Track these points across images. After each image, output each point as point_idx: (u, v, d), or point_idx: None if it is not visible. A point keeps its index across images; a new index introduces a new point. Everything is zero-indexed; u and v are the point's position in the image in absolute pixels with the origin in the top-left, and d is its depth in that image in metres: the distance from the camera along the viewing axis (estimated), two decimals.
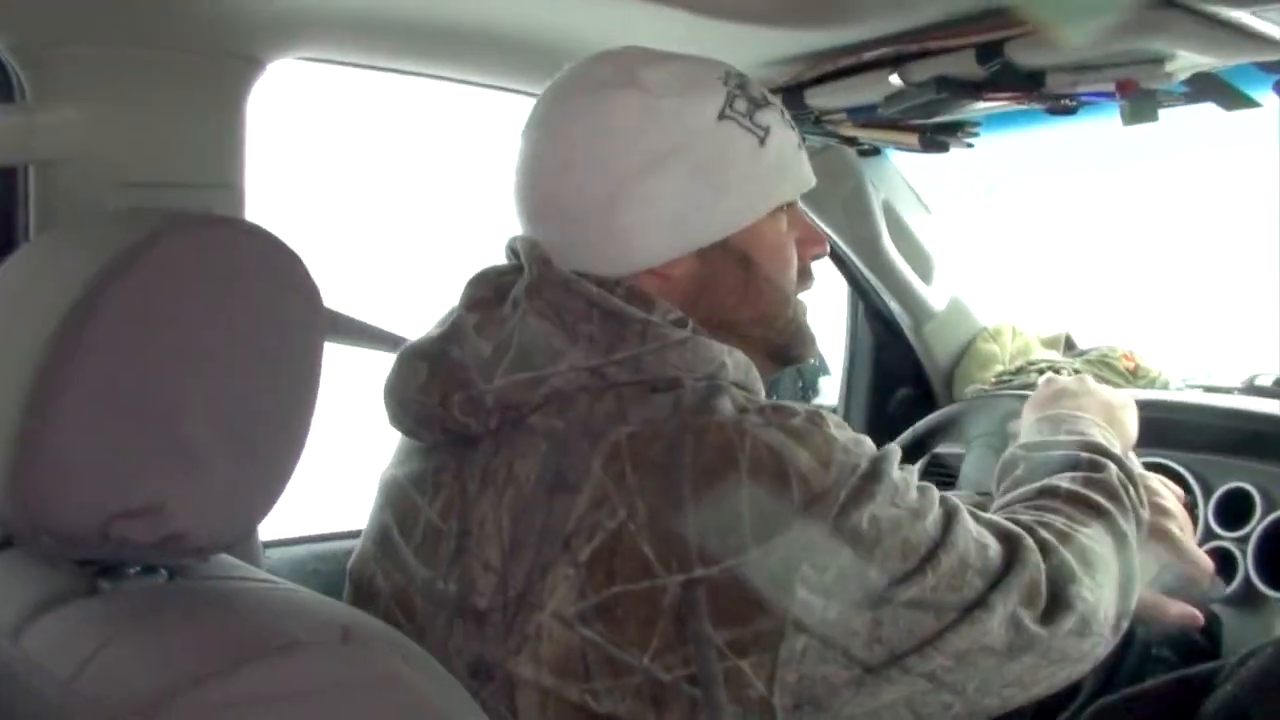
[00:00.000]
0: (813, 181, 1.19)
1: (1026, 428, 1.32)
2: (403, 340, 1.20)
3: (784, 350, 1.21)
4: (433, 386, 1.08)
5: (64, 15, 1.32)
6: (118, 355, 0.87)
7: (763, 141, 1.12)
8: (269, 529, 1.71)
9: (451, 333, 1.10)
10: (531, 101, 1.16)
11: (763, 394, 1.11)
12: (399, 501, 1.14)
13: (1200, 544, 1.63)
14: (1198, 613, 1.28)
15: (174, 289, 0.88)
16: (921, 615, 1.00)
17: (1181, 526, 1.31)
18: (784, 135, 1.15)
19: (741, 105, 1.11)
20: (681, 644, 0.96)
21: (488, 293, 1.12)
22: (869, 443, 1.05)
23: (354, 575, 1.18)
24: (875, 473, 1.01)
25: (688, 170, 1.09)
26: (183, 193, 1.39)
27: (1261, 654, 0.89)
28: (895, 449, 1.07)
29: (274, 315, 0.93)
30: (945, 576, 1.01)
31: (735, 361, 1.08)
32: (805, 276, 1.21)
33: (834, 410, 2.32)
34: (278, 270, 0.93)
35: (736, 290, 1.14)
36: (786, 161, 1.15)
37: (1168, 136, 1.75)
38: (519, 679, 0.99)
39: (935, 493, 1.07)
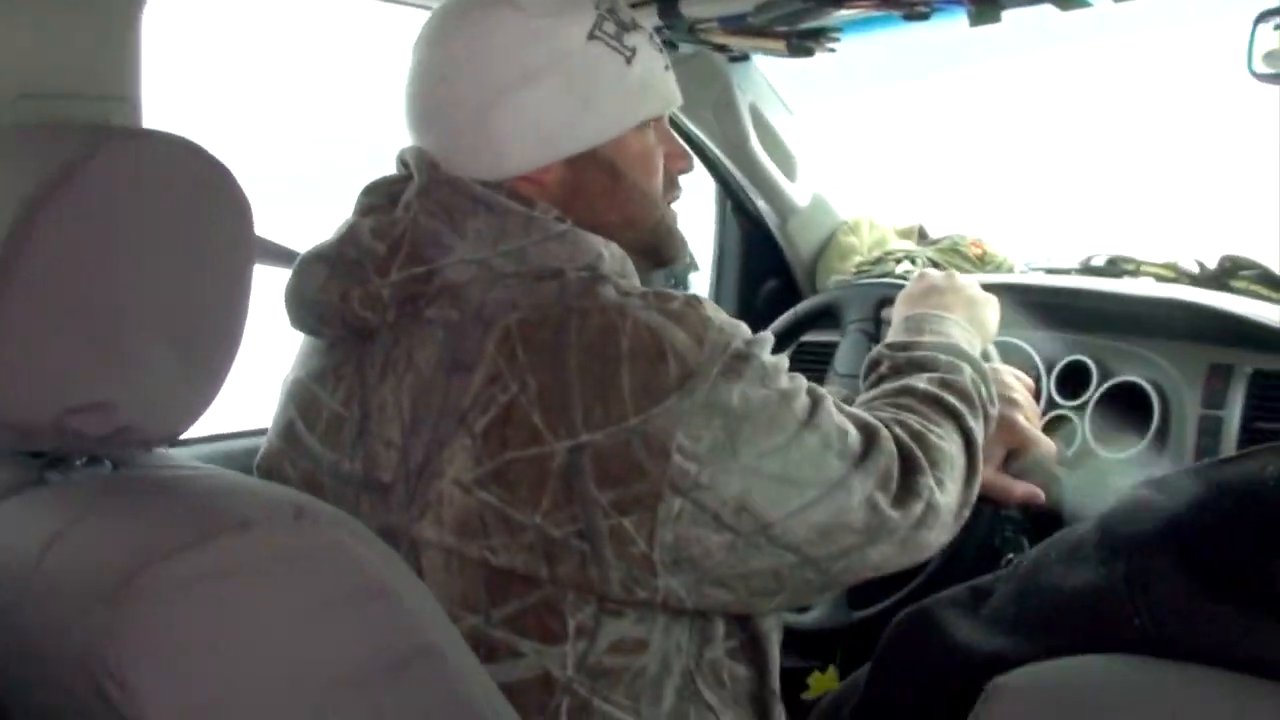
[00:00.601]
0: (679, 100, 1.25)
1: (895, 324, 1.41)
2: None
3: (656, 251, 1.27)
4: (332, 285, 1.14)
5: None
6: (64, 261, 0.91)
7: (629, 61, 1.18)
8: None
9: (347, 235, 1.16)
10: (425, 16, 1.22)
11: (636, 279, 1.17)
12: (301, 397, 1.21)
13: (1043, 413, 1.77)
14: (1039, 491, 1.40)
15: (114, 199, 0.93)
16: (786, 489, 1.07)
17: (1028, 415, 1.42)
18: (650, 56, 1.21)
19: (610, 27, 1.18)
20: (569, 503, 1.04)
21: (380, 199, 1.19)
22: (744, 326, 1.12)
23: (261, 470, 1.24)
24: (747, 354, 1.08)
25: (558, 85, 1.15)
26: (82, 104, 1.40)
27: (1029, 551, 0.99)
28: (768, 335, 1.14)
29: (209, 225, 0.98)
30: (808, 454, 1.08)
31: (611, 253, 1.16)
32: (672, 186, 1.28)
33: None
34: (211, 183, 0.98)
35: (604, 195, 1.20)
36: (652, 81, 1.21)
37: (1014, 37, 1.86)
38: (423, 541, 1.07)
39: (803, 380, 1.14)
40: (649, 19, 1.69)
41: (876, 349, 1.36)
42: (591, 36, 1.17)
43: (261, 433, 1.33)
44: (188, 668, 0.81)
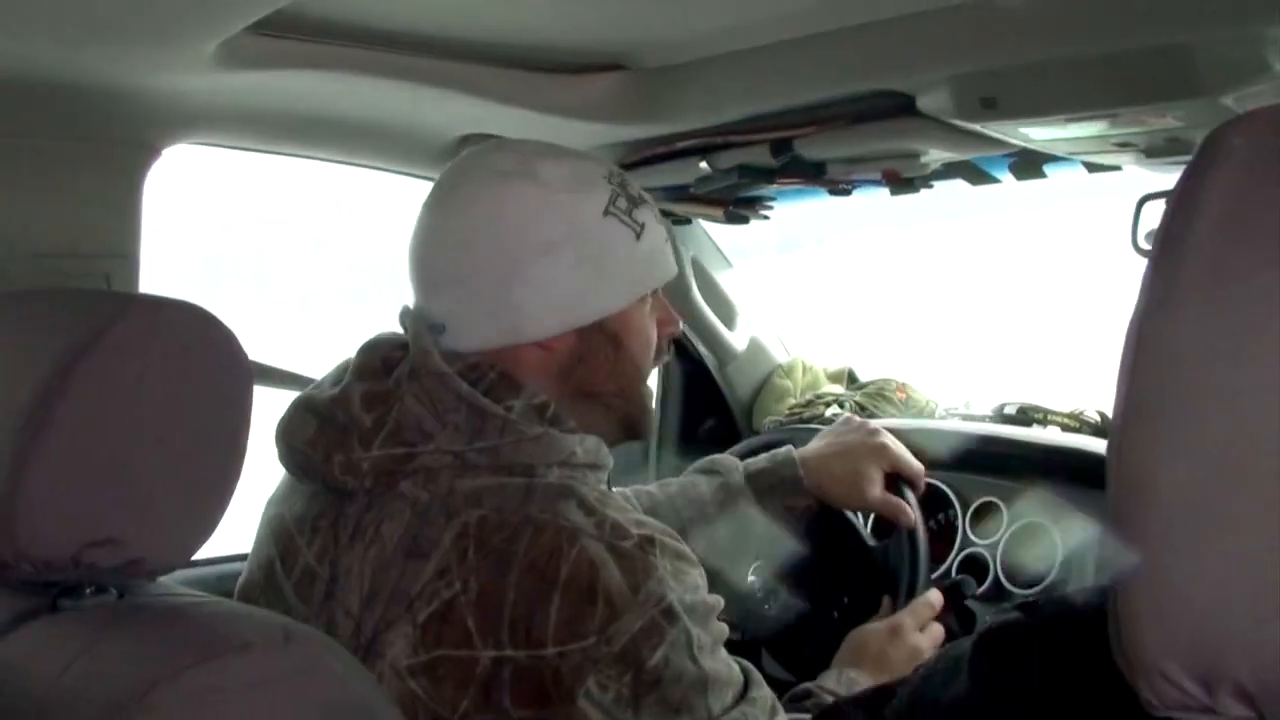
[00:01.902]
0: (674, 270, 1.29)
1: (831, 672, 1.44)
2: (307, 380, 1.32)
3: (634, 424, 1.30)
4: (319, 442, 1.19)
5: None
6: (85, 416, 1.03)
7: (638, 236, 1.22)
8: None
9: (340, 398, 1.20)
10: (404, 180, 1.35)
11: (611, 464, 1.22)
12: (282, 538, 1.25)
13: (957, 551, 1.91)
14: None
15: (133, 362, 1.05)
16: None
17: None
18: (655, 230, 1.25)
19: (622, 203, 1.22)
20: (485, 710, 1.07)
21: (376, 363, 1.22)
22: (694, 581, 1.14)
23: (242, 597, 1.28)
24: (677, 615, 1.10)
25: (575, 258, 1.19)
26: (86, 263, 1.54)
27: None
28: (717, 601, 1.16)
29: (211, 382, 1.10)
30: None
31: (585, 448, 1.19)
32: (660, 353, 1.31)
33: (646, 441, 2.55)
34: (216, 345, 1.10)
35: (605, 366, 1.24)
36: (655, 254, 1.25)
37: (934, 203, 2.03)
38: None
39: (738, 674, 1.16)
40: None
41: (807, 685, 1.40)
42: (606, 212, 1.20)
43: (231, 559, 1.43)
44: None
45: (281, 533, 1.25)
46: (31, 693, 0.99)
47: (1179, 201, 0.56)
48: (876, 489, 1.58)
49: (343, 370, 1.25)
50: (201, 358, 1.11)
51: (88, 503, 1.05)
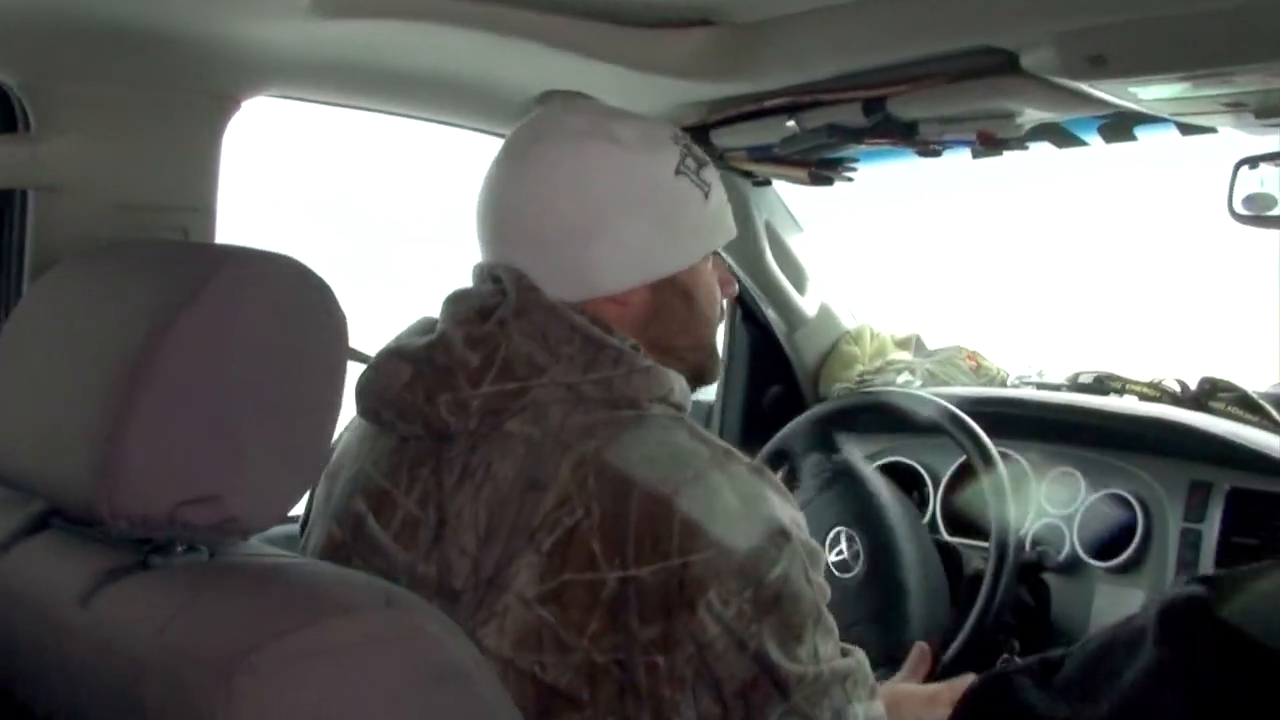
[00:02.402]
0: (734, 231, 1.33)
1: None
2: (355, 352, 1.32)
3: (704, 373, 1.34)
4: (418, 385, 1.18)
5: (65, 56, 1.45)
6: (184, 371, 1.01)
7: (706, 195, 1.27)
8: None
9: (438, 342, 1.19)
10: (476, 136, 1.33)
11: (689, 410, 1.24)
12: (372, 492, 1.24)
13: (1031, 522, 1.89)
14: None
15: (230, 316, 1.03)
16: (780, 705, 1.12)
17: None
18: (719, 191, 1.29)
19: (691, 163, 1.26)
20: (613, 632, 1.09)
21: (471, 312, 1.21)
22: (800, 519, 1.17)
23: (326, 557, 1.25)
24: (793, 536, 1.13)
25: (650, 215, 1.23)
26: (166, 215, 1.52)
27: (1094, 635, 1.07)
28: (821, 552, 1.18)
29: (308, 337, 1.08)
30: (811, 688, 1.13)
31: (681, 388, 1.23)
32: (721, 311, 1.36)
33: (712, 405, 2.52)
34: (312, 299, 1.08)
35: (679, 319, 1.28)
36: (721, 214, 1.30)
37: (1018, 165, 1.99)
38: (485, 649, 1.09)
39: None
40: None
41: None
42: (678, 172, 1.24)
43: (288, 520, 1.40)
44: None
45: (370, 488, 1.25)
46: (130, 650, 0.98)
47: None
48: None
49: (427, 324, 1.25)
50: (298, 312, 1.09)
51: (185, 460, 1.03)
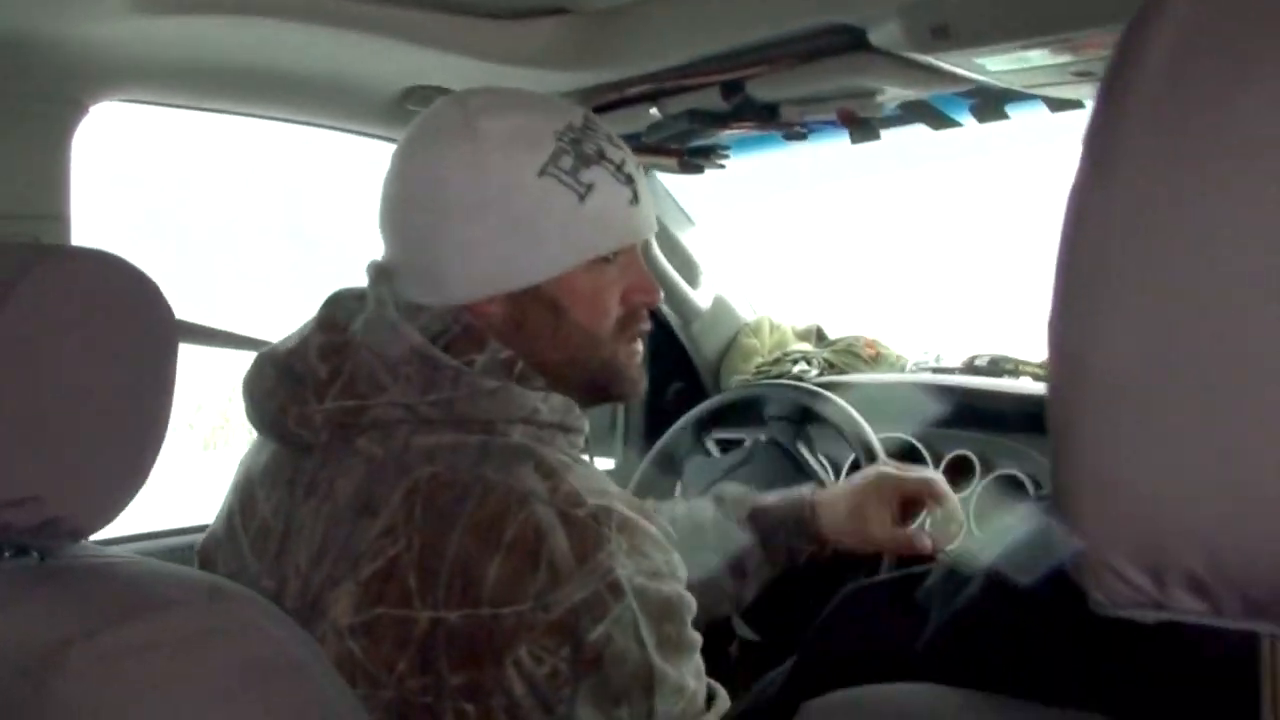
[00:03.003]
0: (647, 232, 1.21)
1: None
2: (245, 340, 1.30)
3: (602, 389, 1.23)
4: (278, 393, 1.16)
5: None
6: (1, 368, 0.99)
7: (582, 198, 1.14)
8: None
9: (299, 349, 1.17)
10: (334, 135, 1.31)
11: (586, 427, 1.18)
12: (244, 493, 1.22)
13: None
14: (930, 542, 1.52)
15: (44, 314, 1.01)
16: None
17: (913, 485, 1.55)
18: (611, 191, 1.16)
19: (567, 162, 1.14)
20: (423, 673, 1.04)
21: (336, 315, 1.19)
22: (655, 566, 1.08)
23: (202, 553, 1.26)
24: (624, 592, 1.04)
25: (501, 220, 1.13)
26: (14, 223, 1.49)
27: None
28: (685, 602, 1.10)
29: (132, 334, 1.06)
30: None
31: (551, 405, 1.14)
32: (633, 321, 1.23)
33: (614, 405, 2.51)
34: (134, 295, 1.06)
35: (546, 333, 1.18)
36: (608, 216, 1.16)
37: (894, 151, 2.00)
38: None
39: (703, 695, 1.12)
40: None
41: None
42: (543, 173, 1.14)
43: (184, 531, 1.39)
44: None
45: (243, 486, 1.23)
46: None
47: (1119, 58, 0.51)
48: (881, 527, 1.51)
49: (306, 324, 1.23)
50: (122, 310, 1.07)
51: (1, 461, 1.00)
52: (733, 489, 1.60)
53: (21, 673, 0.88)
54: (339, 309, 1.20)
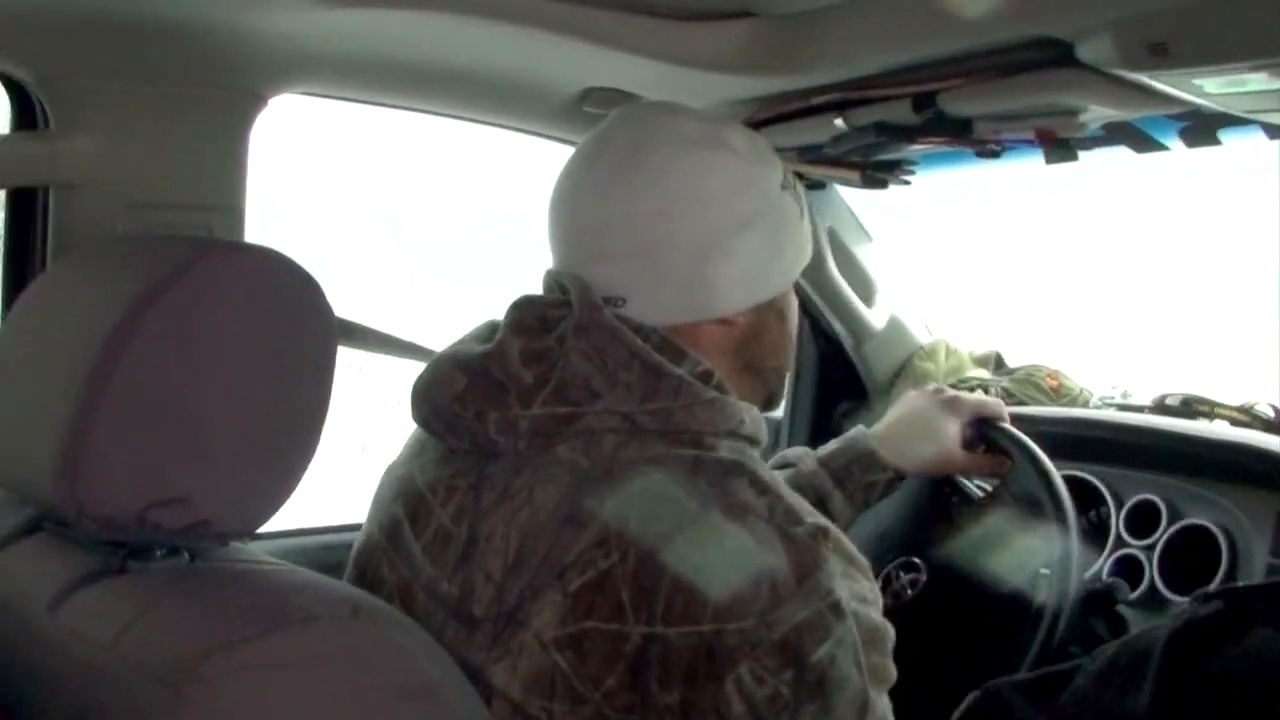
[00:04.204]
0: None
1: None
2: (410, 345, 1.27)
3: (774, 396, 1.27)
4: (470, 399, 1.11)
5: (85, 52, 1.44)
6: (156, 366, 0.98)
7: (802, 212, 1.23)
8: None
9: (495, 352, 1.13)
10: (513, 135, 1.28)
11: (766, 440, 1.17)
12: (412, 498, 1.18)
13: (1110, 552, 1.80)
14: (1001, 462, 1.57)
15: (206, 309, 1.00)
16: None
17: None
18: (804, 207, 1.25)
19: (790, 179, 1.21)
20: (631, 690, 1.01)
21: (533, 321, 1.14)
22: (863, 593, 1.08)
23: (359, 560, 1.22)
24: (845, 614, 1.04)
25: (765, 232, 1.17)
26: (188, 214, 1.50)
27: (1106, 648, 0.98)
28: (889, 632, 1.10)
29: (292, 334, 1.04)
30: None
31: (752, 418, 1.14)
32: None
33: (780, 422, 2.45)
34: (297, 294, 1.04)
35: (774, 341, 1.23)
36: (809, 230, 1.25)
37: (1087, 171, 1.89)
38: (494, 688, 1.04)
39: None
40: None
41: None
42: (783, 186, 1.20)
43: (338, 530, 1.37)
44: None
45: (411, 493, 1.18)
46: (86, 657, 0.95)
47: None
48: (957, 444, 1.57)
49: (490, 328, 1.19)
50: (282, 308, 1.05)
51: (154, 459, 1.00)
52: (790, 451, 1.65)
53: (159, 680, 0.87)
54: (532, 314, 1.16)
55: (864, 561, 1.11)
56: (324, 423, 1.08)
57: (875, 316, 2.32)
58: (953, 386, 2.27)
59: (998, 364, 2.41)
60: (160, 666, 0.87)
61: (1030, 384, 2.27)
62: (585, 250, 1.17)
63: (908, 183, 1.91)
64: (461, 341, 1.20)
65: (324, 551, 1.45)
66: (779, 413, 2.45)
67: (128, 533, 1.01)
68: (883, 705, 1.08)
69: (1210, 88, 1.34)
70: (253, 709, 0.87)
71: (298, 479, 1.07)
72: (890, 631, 1.11)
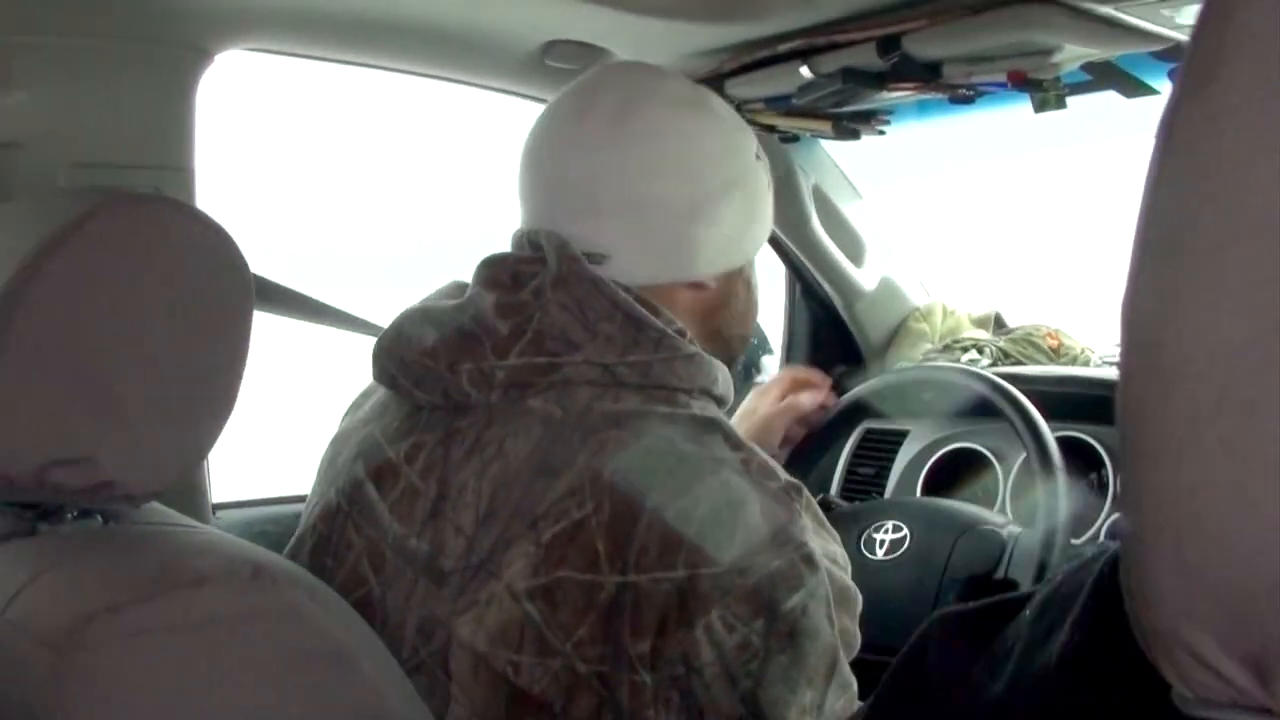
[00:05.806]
0: None
1: None
2: (340, 313, 1.24)
3: (733, 364, 1.26)
4: (442, 352, 1.09)
5: (22, 6, 1.39)
6: (56, 318, 0.94)
7: (769, 184, 1.23)
8: (221, 491, 1.79)
9: (467, 306, 1.11)
10: (461, 90, 1.24)
11: (731, 401, 1.17)
12: (373, 457, 1.15)
13: (1107, 514, 1.75)
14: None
15: (108, 260, 0.96)
16: None
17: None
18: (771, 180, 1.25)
19: (761, 150, 1.22)
20: (603, 641, 0.99)
21: (505, 278, 1.12)
22: (834, 552, 1.08)
23: (320, 526, 1.18)
24: (818, 565, 1.03)
25: (743, 199, 1.18)
26: (134, 174, 1.46)
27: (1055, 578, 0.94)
28: (857, 596, 1.09)
29: (204, 288, 1.00)
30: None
31: (724, 378, 1.14)
32: None
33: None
34: (209, 247, 1.00)
35: (739, 308, 1.24)
36: (773, 198, 1.25)
37: (1085, 123, 1.82)
38: (458, 640, 1.02)
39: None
40: None
41: None
42: (757, 156, 1.21)
43: (290, 500, 1.32)
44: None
45: (373, 454, 1.15)
46: None
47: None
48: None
49: (457, 287, 1.17)
50: (192, 262, 1.01)
51: (54, 416, 0.96)
52: None
53: (44, 644, 0.83)
54: (505, 270, 1.13)
55: (832, 529, 1.10)
56: (239, 381, 1.04)
57: (865, 277, 2.27)
58: (948, 347, 2.24)
59: (997, 324, 2.37)
60: (48, 631, 0.84)
61: (1029, 343, 2.23)
62: (569, 205, 1.15)
63: (882, 133, 1.85)
64: (427, 299, 1.17)
65: (296, 519, 1.40)
66: (774, 371, 2.41)
67: (28, 493, 0.97)
68: (847, 669, 1.07)
69: (1181, 18, 1.28)
70: (139, 674, 0.83)
71: (212, 440, 1.04)
72: (859, 596, 1.09)
